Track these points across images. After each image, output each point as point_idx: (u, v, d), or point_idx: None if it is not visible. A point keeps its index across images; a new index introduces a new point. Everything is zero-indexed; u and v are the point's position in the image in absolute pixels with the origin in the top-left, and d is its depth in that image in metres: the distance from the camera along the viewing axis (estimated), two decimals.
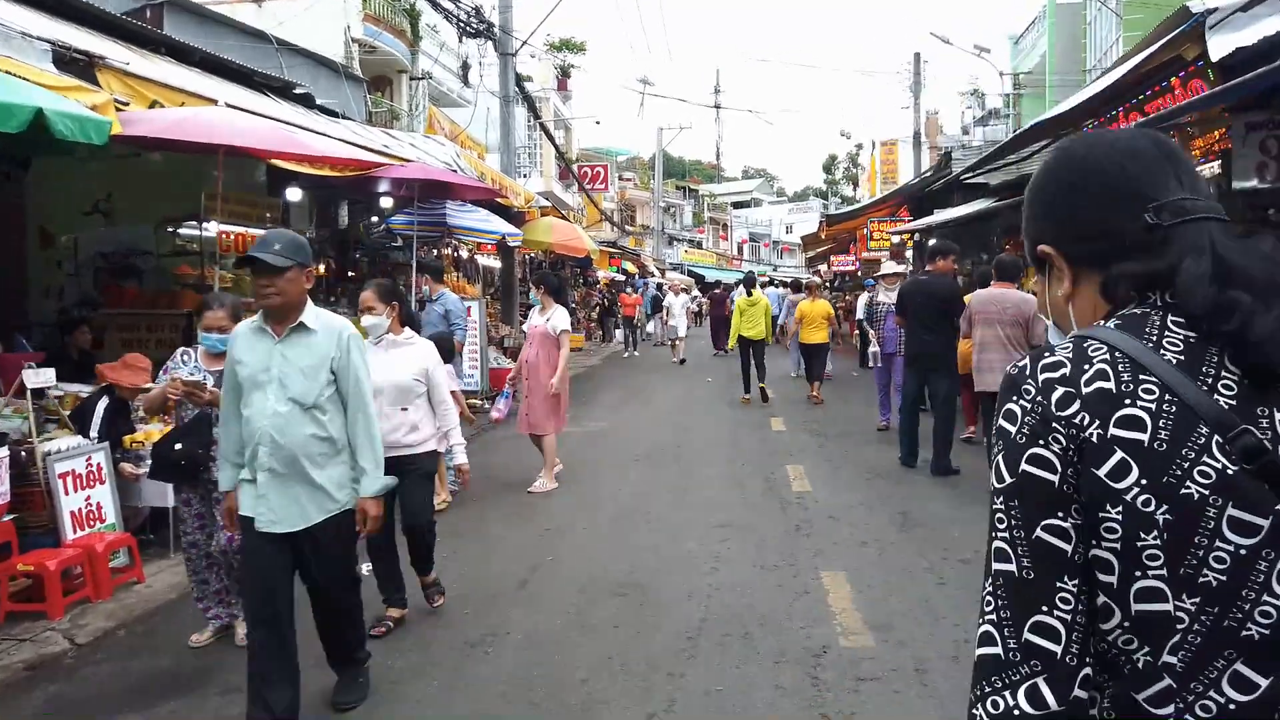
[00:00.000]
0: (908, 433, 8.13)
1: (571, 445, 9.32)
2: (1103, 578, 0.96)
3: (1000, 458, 1.01)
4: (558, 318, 7.44)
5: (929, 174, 18.10)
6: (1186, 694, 0.93)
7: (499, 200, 13.91)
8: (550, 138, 22.16)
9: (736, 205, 72.09)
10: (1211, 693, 0.93)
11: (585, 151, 37.83)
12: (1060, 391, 0.98)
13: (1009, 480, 0.99)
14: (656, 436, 10.23)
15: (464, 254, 16.25)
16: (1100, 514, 0.95)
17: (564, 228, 16.01)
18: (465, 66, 17.86)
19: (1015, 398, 1.01)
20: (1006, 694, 0.95)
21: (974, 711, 0.98)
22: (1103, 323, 1.04)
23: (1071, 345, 1.02)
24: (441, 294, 8.25)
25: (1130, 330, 1.00)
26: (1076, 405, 0.97)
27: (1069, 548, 0.96)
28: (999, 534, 0.99)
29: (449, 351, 6.81)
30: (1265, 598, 0.92)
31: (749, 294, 13.28)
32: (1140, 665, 0.95)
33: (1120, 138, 1.09)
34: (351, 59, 19.72)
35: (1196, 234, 0.99)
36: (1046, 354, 1.02)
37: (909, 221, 22.11)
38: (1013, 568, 0.97)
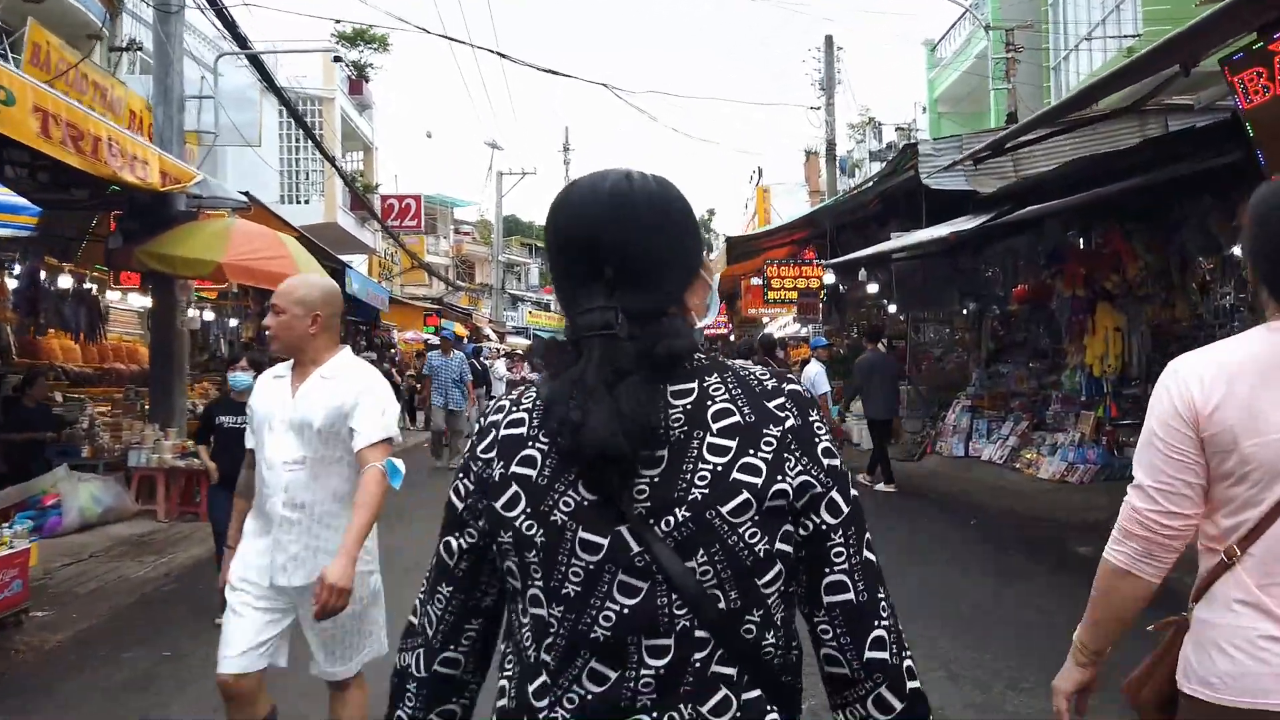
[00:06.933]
0: None
1: None
2: (512, 583, 1.13)
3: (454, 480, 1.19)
4: None
5: (869, 182, 12.14)
6: (556, 688, 1.08)
7: (123, 178, 6.78)
8: (308, 132, 15.00)
9: None
10: (575, 687, 1.07)
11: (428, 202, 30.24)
12: (489, 436, 1.16)
13: (447, 499, 1.20)
14: None
15: (65, 282, 8.81)
16: (499, 538, 1.12)
17: (259, 237, 8.59)
18: None
19: (478, 435, 1.18)
20: (405, 654, 1.23)
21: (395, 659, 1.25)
22: None
23: (520, 390, 1.20)
24: None
25: (562, 377, 1.10)
26: (492, 447, 1.15)
27: (452, 562, 1.20)
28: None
29: None
30: (608, 604, 1.06)
31: None
32: (531, 660, 1.10)
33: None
34: None
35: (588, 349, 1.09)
36: (504, 398, 1.20)
37: (815, 265, 16.27)
38: (433, 562, 1.23)
